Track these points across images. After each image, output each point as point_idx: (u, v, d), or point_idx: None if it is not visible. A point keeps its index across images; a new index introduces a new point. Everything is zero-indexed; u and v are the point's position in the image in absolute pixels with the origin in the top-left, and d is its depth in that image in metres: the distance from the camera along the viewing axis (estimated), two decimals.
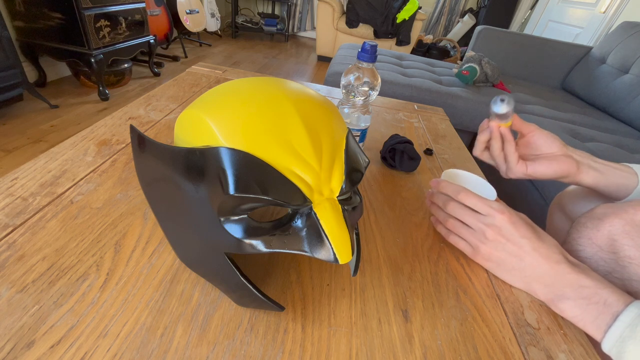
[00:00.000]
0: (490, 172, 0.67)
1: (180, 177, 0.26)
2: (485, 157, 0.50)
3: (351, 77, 0.50)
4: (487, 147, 0.49)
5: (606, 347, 0.31)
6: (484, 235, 0.38)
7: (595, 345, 0.36)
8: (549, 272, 0.36)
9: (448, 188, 0.42)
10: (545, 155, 0.46)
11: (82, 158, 0.46)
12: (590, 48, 2.00)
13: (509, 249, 0.38)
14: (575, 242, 0.43)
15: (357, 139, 0.55)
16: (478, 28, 2.07)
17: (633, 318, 0.30)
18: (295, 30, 4.27)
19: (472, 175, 0.49)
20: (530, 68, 2.09)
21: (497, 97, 0.43)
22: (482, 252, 0.39)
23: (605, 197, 0.48)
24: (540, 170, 0.45)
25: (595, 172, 0.45)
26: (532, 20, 3.29)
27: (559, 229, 0.57)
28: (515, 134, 0.48)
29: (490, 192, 0.47)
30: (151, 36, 2.16)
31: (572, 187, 0.58)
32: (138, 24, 2.03)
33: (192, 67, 0.86)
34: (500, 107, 0.43)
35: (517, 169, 0.45)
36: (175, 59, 2.73)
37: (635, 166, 0.46)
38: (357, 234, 0.36)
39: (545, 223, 0.63)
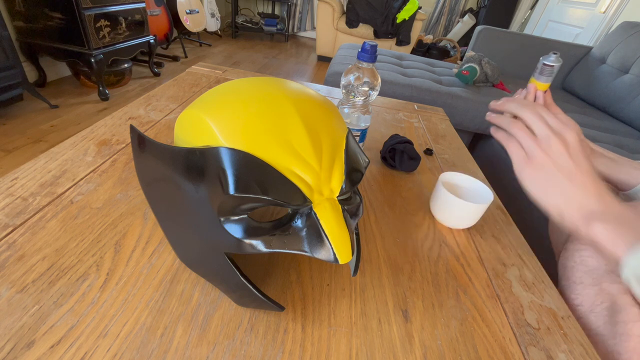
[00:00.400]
0: (489, 175, 0.67)
1: (180, 177, 0.26)
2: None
3: (351, 77, 0.50)
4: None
5: (630, 269, 0.30)
6: (548, 143, 0.38)
7: (596, 345, 0.36)
8: (595, 197, 0.35)
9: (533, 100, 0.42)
10: None
11: (82, 158, 0.46)
12: (590, 48, 2.00)
13: (566, 164, 0.37)
14: (577, 241, 0.43)
15: (357, 139, 0.55)
16: (478, 28, 2.07)
17: None
18: (295, 30, 4.26)
19: (470, 177, 0.50)
20: (530, 68, 2.08)
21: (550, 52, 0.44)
22: (538, 159, 0.38)
23: (614, 188, 0.48)
24: None
25: (608, 159, 0.46)
26: (532, 20, 3.29)
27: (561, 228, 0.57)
28: None
29: (487, 194, 0.46)
30: (151, 36, 2.16)
31: None
32: (138, 24, 2.03)
33: (192, 67, 0.86)
34: (551, 59, 0.44)
35: None
36: (175, 59, 2.73)
37: None
38: (357, 234, 0.36)
39: (545, 222, 0.63)
